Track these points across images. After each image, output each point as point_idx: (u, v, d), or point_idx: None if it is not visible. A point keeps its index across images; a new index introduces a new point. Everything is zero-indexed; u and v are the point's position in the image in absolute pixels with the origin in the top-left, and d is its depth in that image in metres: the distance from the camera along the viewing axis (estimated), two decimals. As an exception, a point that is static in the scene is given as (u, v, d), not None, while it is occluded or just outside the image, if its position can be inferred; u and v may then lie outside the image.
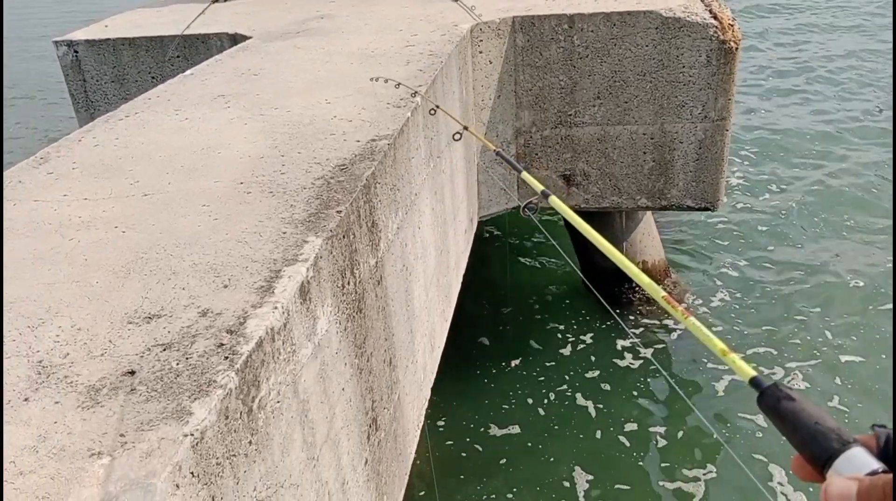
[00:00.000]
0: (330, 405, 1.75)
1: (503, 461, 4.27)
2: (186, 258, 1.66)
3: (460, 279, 3.79)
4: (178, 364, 1.30)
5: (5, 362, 1.33)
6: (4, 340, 1.40)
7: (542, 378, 4.87)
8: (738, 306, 5.48)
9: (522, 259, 6.29)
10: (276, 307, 1.46)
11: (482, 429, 4.51)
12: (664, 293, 1.07)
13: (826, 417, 0.70)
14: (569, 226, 5.58)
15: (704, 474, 4.08)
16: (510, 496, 4.03)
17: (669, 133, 4.36)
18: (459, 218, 3.75)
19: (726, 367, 4.76)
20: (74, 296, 1.54)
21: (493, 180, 4.38)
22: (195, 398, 1.21)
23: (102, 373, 1.29)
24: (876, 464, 0.63)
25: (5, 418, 1.19)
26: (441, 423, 4.55)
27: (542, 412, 4.60)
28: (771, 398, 0.74)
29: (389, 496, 2.31)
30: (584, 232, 1.41)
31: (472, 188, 4.16)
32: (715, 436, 4.35)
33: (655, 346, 5.10)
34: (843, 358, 4.87)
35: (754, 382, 0.78)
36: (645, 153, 4.43)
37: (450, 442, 4.42)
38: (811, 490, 3.83)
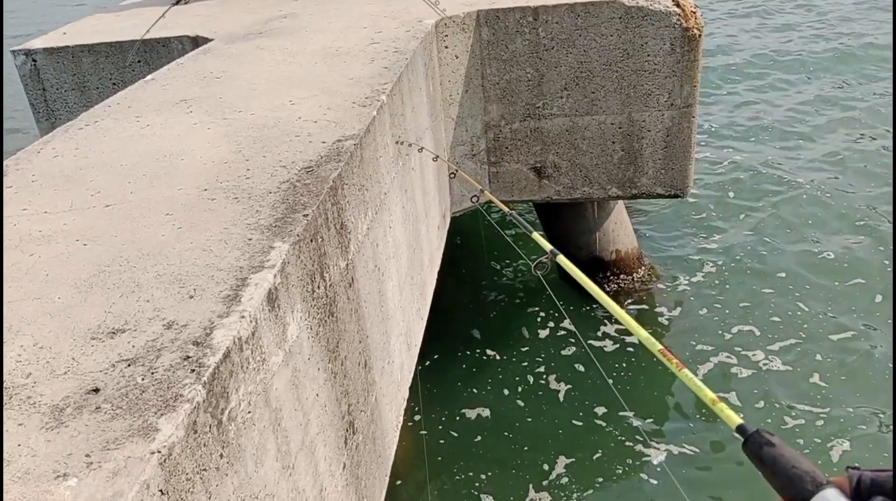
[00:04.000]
0: (304, 411, 1.73)
1: (480, 442, 4.33)
2: (150, 270, 1.63)
3: (435, 277, 3.78)
4: (143, 379, 1.27)
5: (-35, 385, 1.30)
6: (-37, 362, 1.36)
7: (522, 363, 4.92)
8: (712, 290, 5.53)
9: (499, 251, 6.29)
10: (243, 316, 1.43)
11: (459, 415, 4.54)
12: (661, 347, 1.19)
13: (802, 460, 0.78)
14: (539, 207, 5.60)
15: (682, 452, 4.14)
16: (486, 478, 4.06)
17: (637, 122, 4.38)
18: (432, 215, 3.73)
19: (701, 354, 4.83)
20: (36, 313, 1.50)
21: (465, 177, 4.36)
22: (161, 414, 1.19)
23: (66, 392, 1.26)
24: None
25: (-35, 443, 1.15)
26: (429, 408, 4.58)
27: (518, 395, 4.65)
28: (753, 445, 0.83)
29: (370, 498, 2.30)
30: (589, 290, 1.58)
31: (443, 185, 4.15)
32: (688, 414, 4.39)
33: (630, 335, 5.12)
34: (822, 335, 4.92)
35: (740, 429, 0.88)
36: (614, 143, 4.45)
37: (435, 426, 4.46)
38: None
